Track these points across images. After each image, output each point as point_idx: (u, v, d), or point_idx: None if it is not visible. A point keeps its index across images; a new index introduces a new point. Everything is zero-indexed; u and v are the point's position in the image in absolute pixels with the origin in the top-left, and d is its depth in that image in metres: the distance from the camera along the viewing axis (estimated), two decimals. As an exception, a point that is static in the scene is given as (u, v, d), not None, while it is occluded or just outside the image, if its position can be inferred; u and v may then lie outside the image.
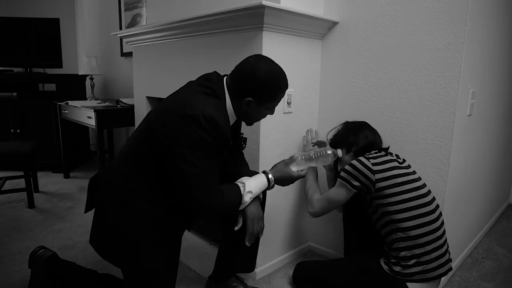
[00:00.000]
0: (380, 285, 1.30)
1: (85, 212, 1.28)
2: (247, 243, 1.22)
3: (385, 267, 1.30)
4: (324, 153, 1.33)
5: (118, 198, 1.15)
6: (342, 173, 1.37)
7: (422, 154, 1.50)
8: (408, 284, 1.26)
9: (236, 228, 1.20)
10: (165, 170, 1.11)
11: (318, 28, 1.70)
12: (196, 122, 1.03)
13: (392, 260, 1.29)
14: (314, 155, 1.32)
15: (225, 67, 1.66)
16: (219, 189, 1.12)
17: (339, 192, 1.38)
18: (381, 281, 1.29)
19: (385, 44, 1.56)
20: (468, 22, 1.33)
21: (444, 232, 1.32)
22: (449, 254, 1.33)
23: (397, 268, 1.27)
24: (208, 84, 1.16)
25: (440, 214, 1.33)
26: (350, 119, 1.56)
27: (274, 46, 1.51)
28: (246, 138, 1.44)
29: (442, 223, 1.32)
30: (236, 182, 1.20)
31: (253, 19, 1.44)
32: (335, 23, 1.71)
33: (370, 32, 1.60)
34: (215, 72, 1.23)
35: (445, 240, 1.32)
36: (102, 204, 1.20)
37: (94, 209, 1.24)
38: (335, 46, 1.73)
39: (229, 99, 1.17)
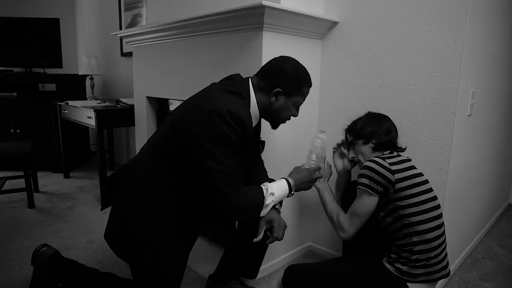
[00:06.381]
0: (379, 284, 1.28)
1: (101, 209, 1.29)
2: (267, 242, 1.23)
3: (389, 267, 1.28)
4: (317, 144, 1.35)
5: (137, 199, 1.15)
6: (359, 180, 1.29)
7: (422, 154, 1.50)
8: (411, 284, 1.25)
9: (255, 240, 1.19)
10: (186, 169, 1.11)
11: (318, 28, 1.70)
12: (220, 118, 1.04)
13: (401, 260, 1.26)
14: (314, 151, 1.34)
15: (225, 67, 1.66)
16: (243, 189, 1.12)
17: (363, 202, 1.28)
18: (381, 281, 1.28)
19: (385, 44, 1.56)
20: (468, 22, 1.33)
21: (445, 237, 1.31)
22: (447, 256, 1.32)
23: (404, 268, 1.25)
24: (232, 83, 1.18)
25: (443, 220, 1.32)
26: (351, 120, 1.55)
27: (274, 46, 1.51)
28: (264, 141, 1.44)
29: (444, 228, 1.31)
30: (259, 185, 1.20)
31: (253, 19, 1.45)
32: (335, 23, 1.71)
33: (370, 32, 1.60)
34: (238, 73, 1.25)
35: (446, 244, 1.32)
36: (120, 203, 1.20)
37: (106, 207, 1.25)
38: (335, 46, 1.73)
39: (254, 98, 1.19)
